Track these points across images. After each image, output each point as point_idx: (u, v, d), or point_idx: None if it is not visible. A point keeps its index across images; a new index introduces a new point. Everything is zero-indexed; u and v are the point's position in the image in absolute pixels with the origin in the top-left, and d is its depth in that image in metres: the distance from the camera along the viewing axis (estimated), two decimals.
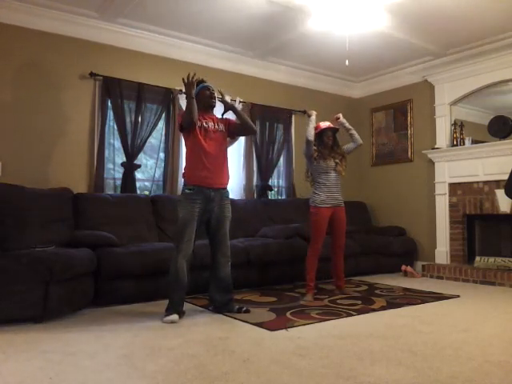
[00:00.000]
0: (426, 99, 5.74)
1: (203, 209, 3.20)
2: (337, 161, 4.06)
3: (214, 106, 3.44)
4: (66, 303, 3.10)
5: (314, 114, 4.09)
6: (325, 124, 4.09)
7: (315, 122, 4.07)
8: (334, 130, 4.11)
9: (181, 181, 3.40)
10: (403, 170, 6.02)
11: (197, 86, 3.38)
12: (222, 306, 3.31)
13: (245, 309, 3.28)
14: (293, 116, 5.93)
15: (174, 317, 3.04)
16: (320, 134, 4.06)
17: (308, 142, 4.01)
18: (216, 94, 3.44)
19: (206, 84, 3.41)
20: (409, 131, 5.96)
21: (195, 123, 3.20)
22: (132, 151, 4.60)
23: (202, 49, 5.11)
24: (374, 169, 6.40)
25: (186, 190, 3.21)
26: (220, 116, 3.50)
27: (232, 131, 3.49)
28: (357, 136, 4.20)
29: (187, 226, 3.14)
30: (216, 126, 3.35)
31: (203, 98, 3.36)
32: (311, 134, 4.00)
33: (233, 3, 4.12)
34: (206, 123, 3.30)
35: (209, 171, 3.21)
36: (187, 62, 5.08)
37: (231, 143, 3.76)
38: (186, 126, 3.21)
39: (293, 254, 4.48)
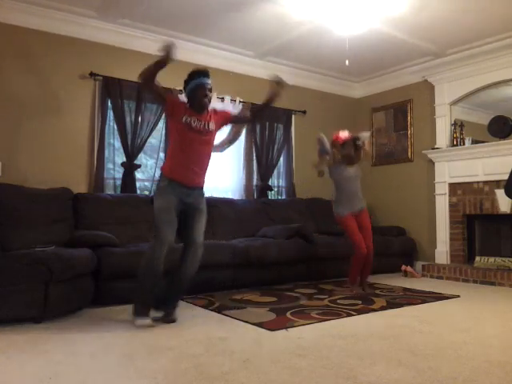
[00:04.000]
0: (426, 99, 5.74)
1: (179, 201, 3.00)
2: (355, 167, 4.20)
3: (207, 108, 3.12)
4: (66, 303, 3.10)
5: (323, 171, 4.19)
6: (344, 134, 4.16)
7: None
8: (354, 139, 4.16)
9: None
10: (403, 170, 6.01)
11: (194, 77, 3.06)
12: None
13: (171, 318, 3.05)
14: (293, 116, 5.93)
15: (146, 321, 2.88)
16: (343, 146, 4.14)
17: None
18: (209, 97, 3.06)
19: (203, 81, 3.04)
20: (409, 131, 5.96)
21: (147, 84, 2.97)
22: (132, 151, 4.60)
23: (202, 49, 5.11)
24: (374, 169, 6.40)
25: (161, 183, 3.06)
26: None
27: (230, 123, 3.35)
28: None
29: (163, 212, 2.96)
30: (206, 127, 3.07)
31: (196, 97, 3.05)
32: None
33: (233, 3, 4.12)
34: (194, 121, 3.03)
35: (188, 171, 3.03)
36: (187, 62, 5.06)
37: (232, 142, 3.68)
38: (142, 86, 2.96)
39: (293, 254, 4.48)
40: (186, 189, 3.04)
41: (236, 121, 3.39)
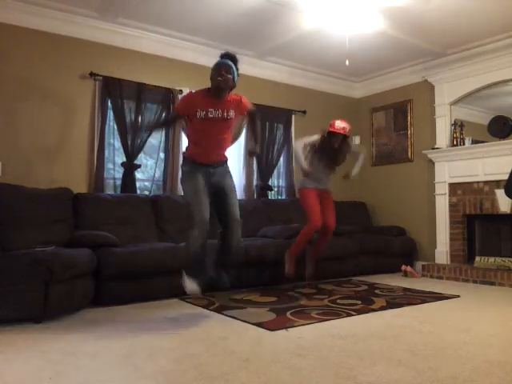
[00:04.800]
0: (426, 99, 5.74)
1: (205, 181, 3.09)
2: (329, 168, 4.12)
3: (222, 88, 3.01)
4: (66, 303, 3.10)
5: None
6: (339, 126, 4.01)
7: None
8: (344, 136, 4.03)
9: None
10: (403, 170, 6.01)
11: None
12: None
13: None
14: (293, 116, 5.93)
15: (193, 286, 2.96)
16: (330, 134, 4.01)
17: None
18: (224, 78, 2.97)
19: (221, 61, 3.04)
20: (409, 131, 5.96)
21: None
22: (132, 151, 4.60)
23: (202, 49, 5.11)
24: (374, 169, 6.40)
25: (184, 168, 3.16)
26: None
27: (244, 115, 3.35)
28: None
29: (193, 194, 3.04)
30: (225, 115, 3.05)
31: (212, 78, 3.02)
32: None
33: (233, 3, 4.12)
34: (211, 112, 3.01)
35: (209, 155, 3.11)
36: (187, 62, 5.08)
37: (233, 142, 3.66)
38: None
39: None
40: (210, 167, 3.11)
41: (248, 116, 3.38)
